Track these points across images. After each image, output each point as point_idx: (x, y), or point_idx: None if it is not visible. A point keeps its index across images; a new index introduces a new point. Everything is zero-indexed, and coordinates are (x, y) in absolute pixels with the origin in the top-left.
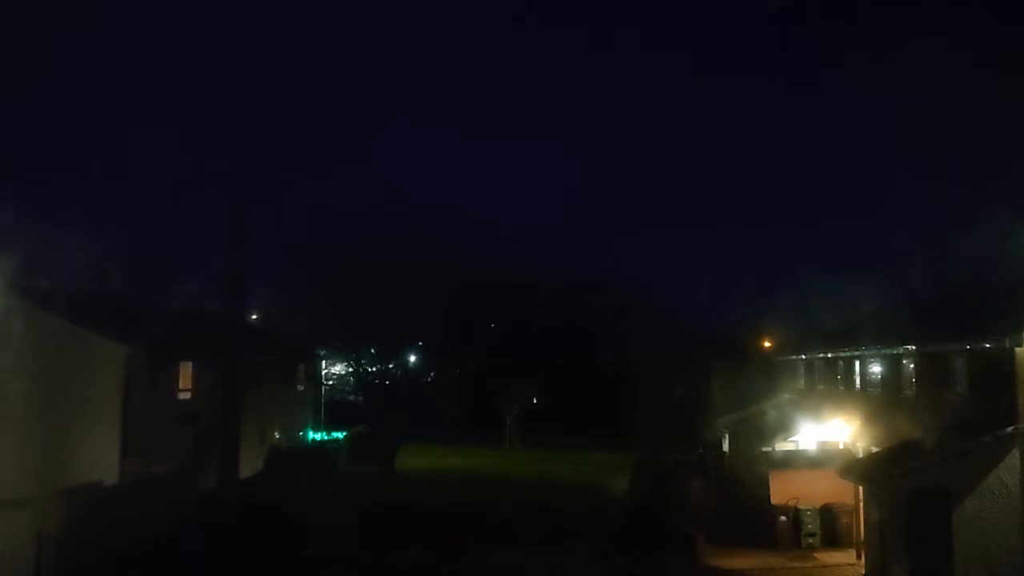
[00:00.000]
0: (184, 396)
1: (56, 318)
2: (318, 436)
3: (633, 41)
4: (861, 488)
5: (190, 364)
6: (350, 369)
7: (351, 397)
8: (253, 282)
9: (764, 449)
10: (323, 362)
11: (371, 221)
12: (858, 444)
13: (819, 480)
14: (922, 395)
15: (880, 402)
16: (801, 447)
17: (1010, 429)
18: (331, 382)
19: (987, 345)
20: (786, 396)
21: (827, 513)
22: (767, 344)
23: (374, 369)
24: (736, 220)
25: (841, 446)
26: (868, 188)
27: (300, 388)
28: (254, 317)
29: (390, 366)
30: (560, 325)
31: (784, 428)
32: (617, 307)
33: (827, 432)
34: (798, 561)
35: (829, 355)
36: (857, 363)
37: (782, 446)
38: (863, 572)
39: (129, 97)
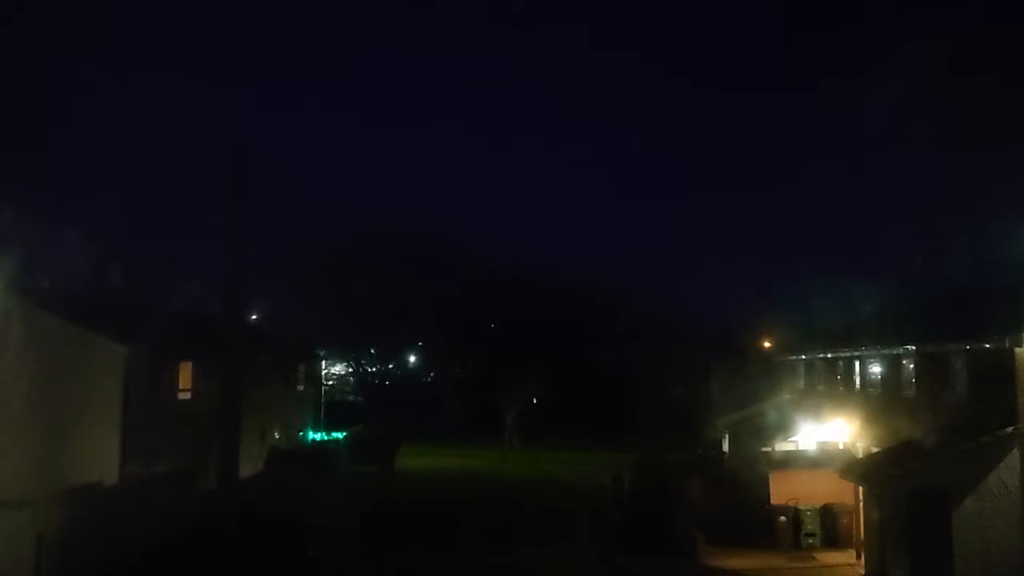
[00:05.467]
0: (184, 396)
1: (56, 318)
2: (318, 436)
3: (633, 43)
4: (861, 488)
5: (190, 364)
6: (350, 369)
7: (351, 397)
8: (253, 282)
9: (764, 449)
10: (323, 362)
11: (371, 222)
12: (858, 444)
13: (819, 480)
14: (922, 395)
15: (880, 402)
16: (801, 447)
17: (1010, 429)
18: (331, 382)
19: (987, 345)
20: (786, 396)
21: (827, 513)
22: (767, 344)
23: (374, 369)
24: (736, 220)
25: (841, 446)
26: (868, 188)
27: (300, 388)
28: (254, 317)
29: (390, 366)
30: (560, 325)
31: (784, 428)
32: (617, 307)
33: (827, 432)
34: (798, 561)
35: (829, 355)
36: (857, 363)
37: (782, 446)
38: (863, 572)
39: (130, 97)
